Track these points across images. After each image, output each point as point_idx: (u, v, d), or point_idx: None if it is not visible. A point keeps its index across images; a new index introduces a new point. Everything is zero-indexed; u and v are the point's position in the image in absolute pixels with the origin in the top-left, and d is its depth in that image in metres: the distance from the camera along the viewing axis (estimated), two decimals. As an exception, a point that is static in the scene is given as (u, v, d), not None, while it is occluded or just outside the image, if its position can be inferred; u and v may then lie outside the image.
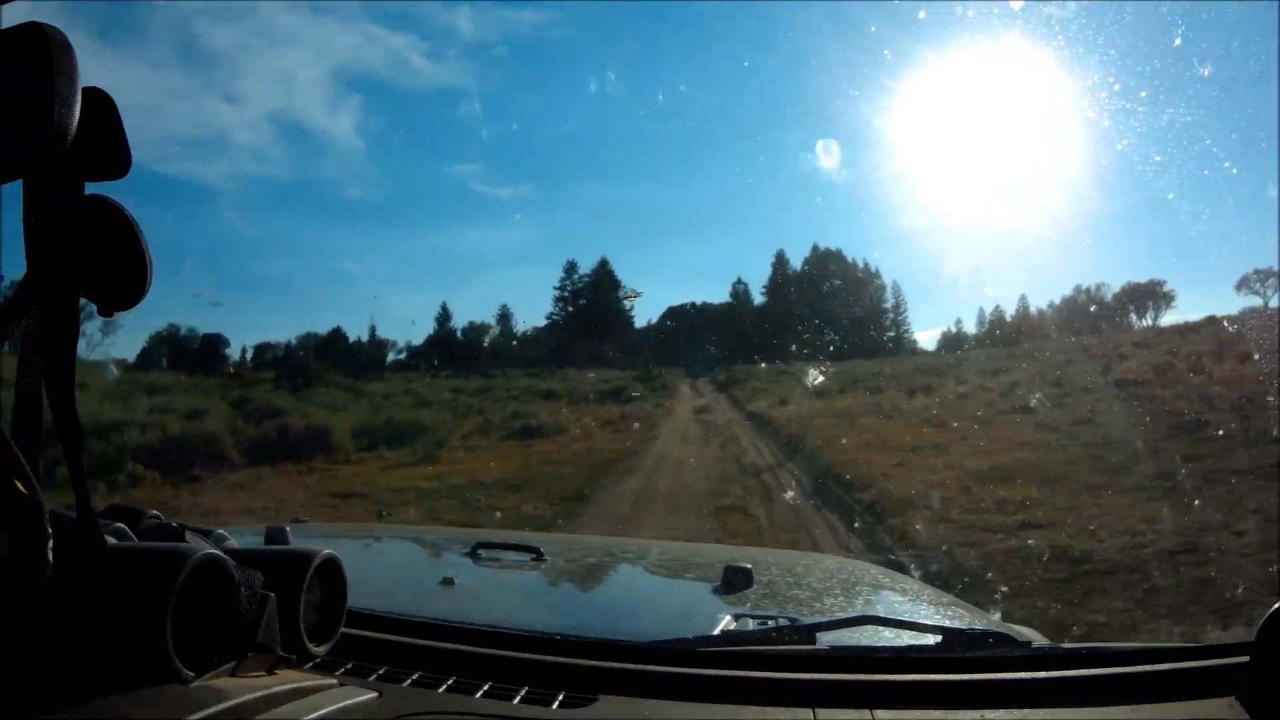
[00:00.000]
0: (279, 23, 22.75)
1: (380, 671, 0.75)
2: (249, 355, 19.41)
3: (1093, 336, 13.76)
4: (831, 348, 14.68)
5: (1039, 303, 16.70)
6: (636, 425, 12.73)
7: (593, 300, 25.54)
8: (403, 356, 21.67)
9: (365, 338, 21.91)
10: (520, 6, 24.05)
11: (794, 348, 17.51)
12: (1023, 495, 5.77)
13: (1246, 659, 0.68)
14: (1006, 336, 15.31)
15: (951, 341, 18.99)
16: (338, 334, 21.29)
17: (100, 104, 0.53)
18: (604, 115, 26.25)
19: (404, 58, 24.97)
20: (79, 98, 0.47)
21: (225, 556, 0.56)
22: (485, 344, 22.88)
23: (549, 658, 0.79)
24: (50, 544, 0.46)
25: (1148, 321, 14.99)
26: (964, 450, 7.57)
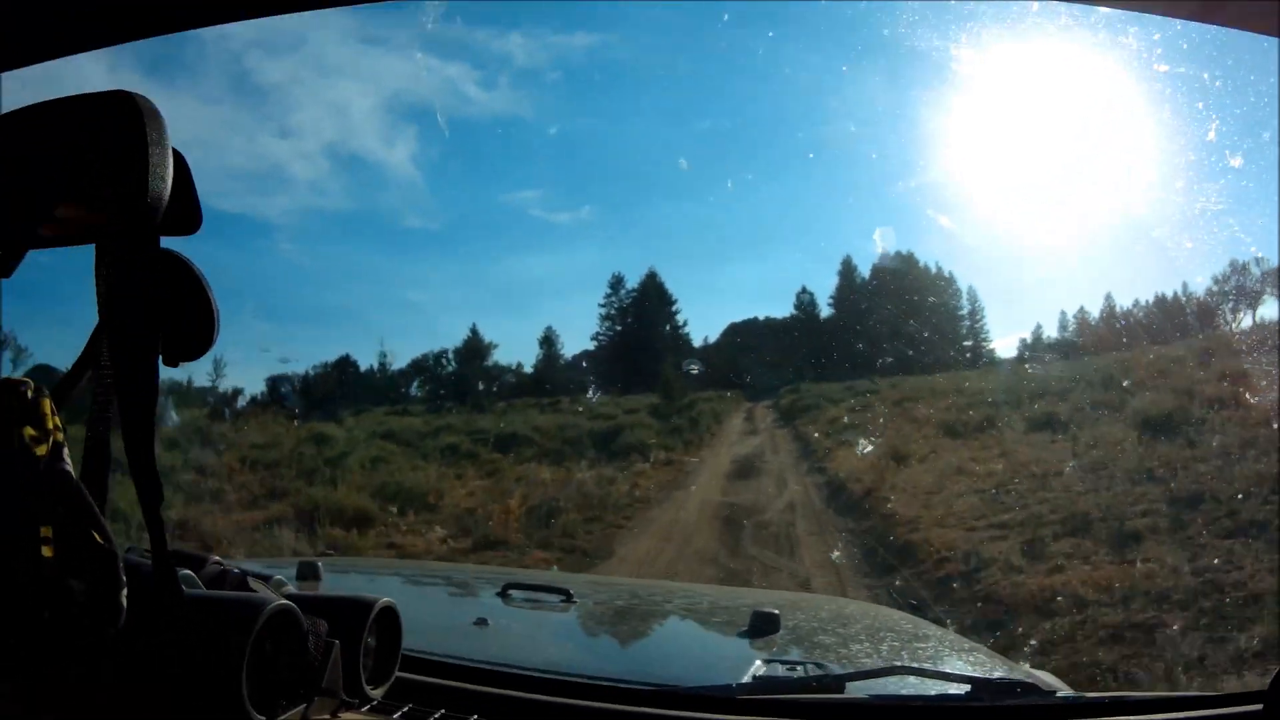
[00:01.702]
0: (330, 55, 22.16)
1: (438, 715, 0.80)
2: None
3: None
4: (909, 361, 13.43)
5: (1125, 303, 14.75)
6: (616, 520, 7.74)
7: (639, 318, 25.02)
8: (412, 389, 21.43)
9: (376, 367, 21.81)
10: (572, 32, 23.91)
11: (867, 362, 16.04)
12: None
13: (1260, 708, 0.70)
14: (1099, 343, 13.51)
15: (1034, 350, 17.14)
16: (346, 362, 21.16)
17: (174, 162, 0.57)
18: (660, 136, 26.12)
19: (457, 86, 24.39)
20: (170, 168, 0.52)
21: (295, 606, 0.61)
22: (482, 368, 22.46)
23: (602, 704, 0.84)
24: (124, 593, 0.50)
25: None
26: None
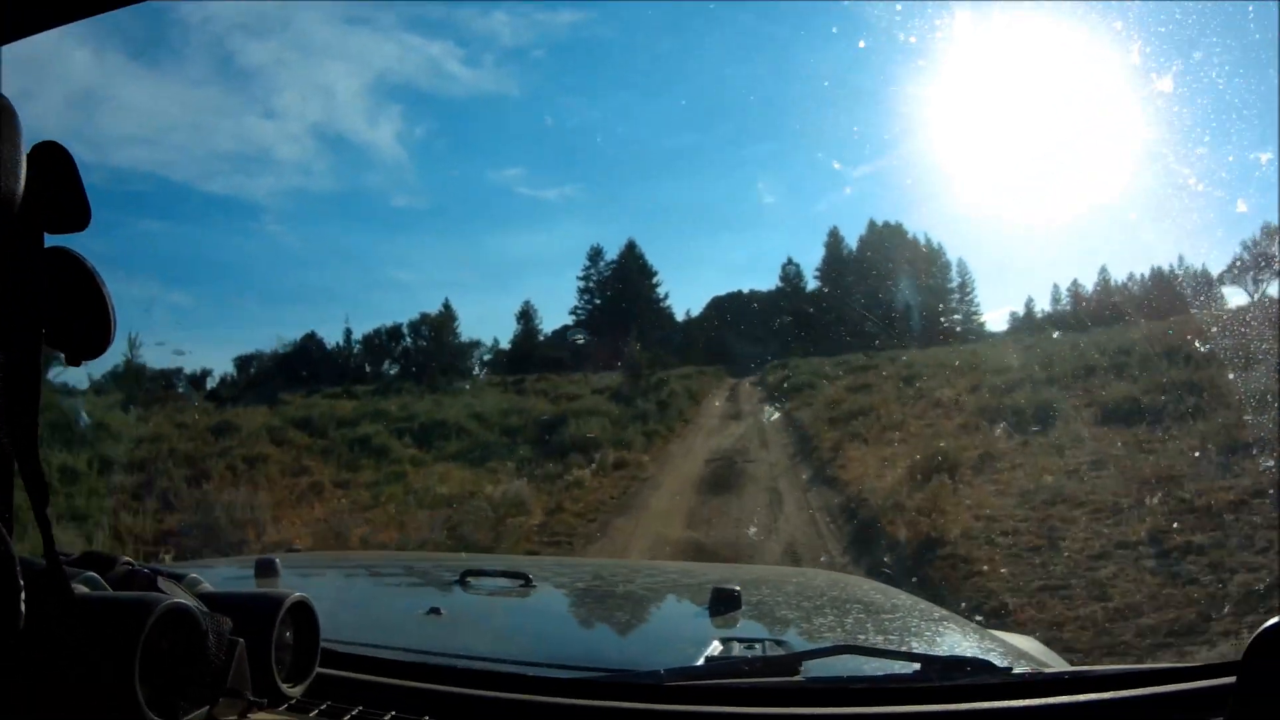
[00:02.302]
0: (315, 35, 23.23)
1: (354, 712, 0.79)
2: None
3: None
4: (903, 333, 12.90)
5: (1120, 276, 14.77)
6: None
7: (618, 291, 23.35)
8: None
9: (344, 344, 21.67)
10: (556, 8, 24.59)
11: (861, 334, 14.92)
12: None
13: (1233, 679, 0.68)
14: (1097, 316, 12.99)
15: (1026, 325, 17.11)
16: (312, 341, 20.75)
17: (57, 158, 0.58)
18: (646, 112, 27.43)
19: (442, 65, 26.27)
20: (22, 165, 0.53)
21: (192, 603, 0.60)
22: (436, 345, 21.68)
23: (513, 695, 0.83)
24: (23, 596, 0.49)
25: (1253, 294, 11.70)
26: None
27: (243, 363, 19.51)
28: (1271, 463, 5.25)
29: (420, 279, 25.90)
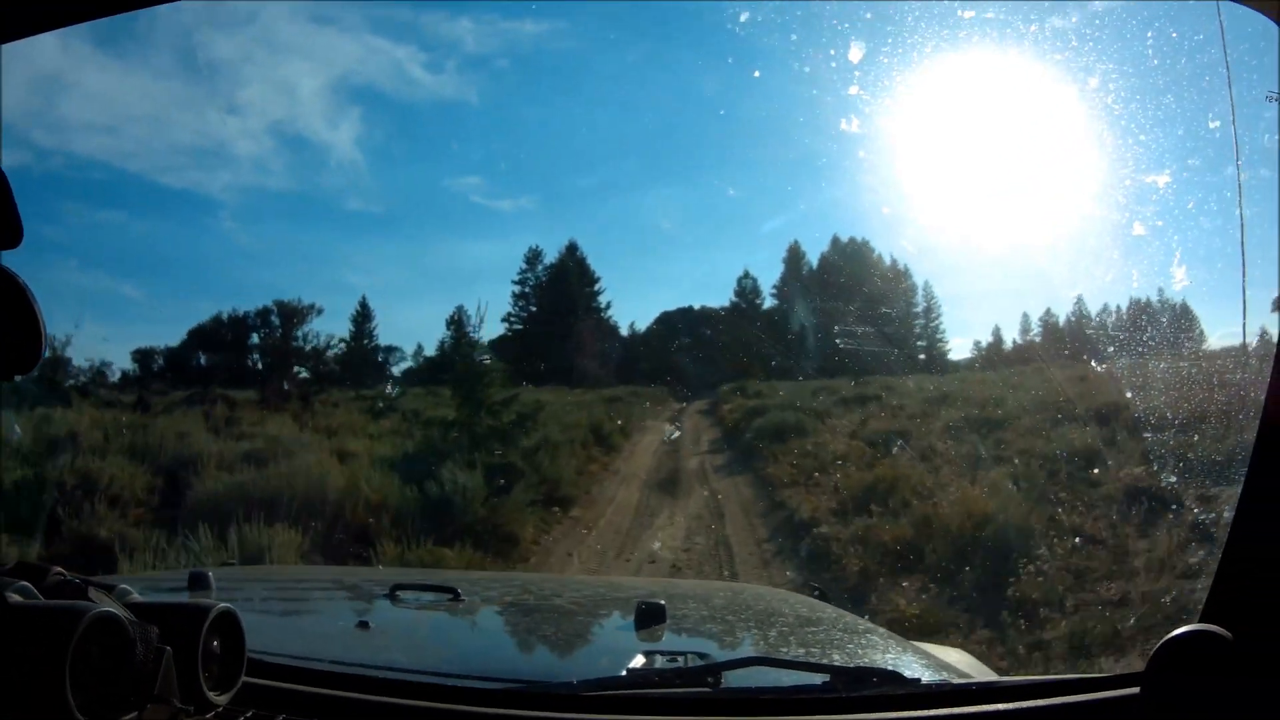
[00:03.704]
0: (281, 33, 23.60)
1: (278, 719, 0.84)
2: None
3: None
4: (881, 357, 10.55)
5: (1095, 307, 13.43)
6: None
7: (556, 299, 20.65)
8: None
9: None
10: (521, 18, 25.61)
11: (839, 353, 12.28)
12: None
13: (1138, 690, 0.74)
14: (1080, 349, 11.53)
15: (993, 356, 15.96)
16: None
17: None
18: (606, 126, 28.00)
19: (405, 69, 26.78)
20: None
21: (119, 612, 0.65)
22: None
23: (429, 704, 0.87)
24: None
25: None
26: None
27: (142, 357, 18.68)
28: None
29: (370, 283, 26.42)
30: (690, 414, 13.03)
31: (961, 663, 1.31)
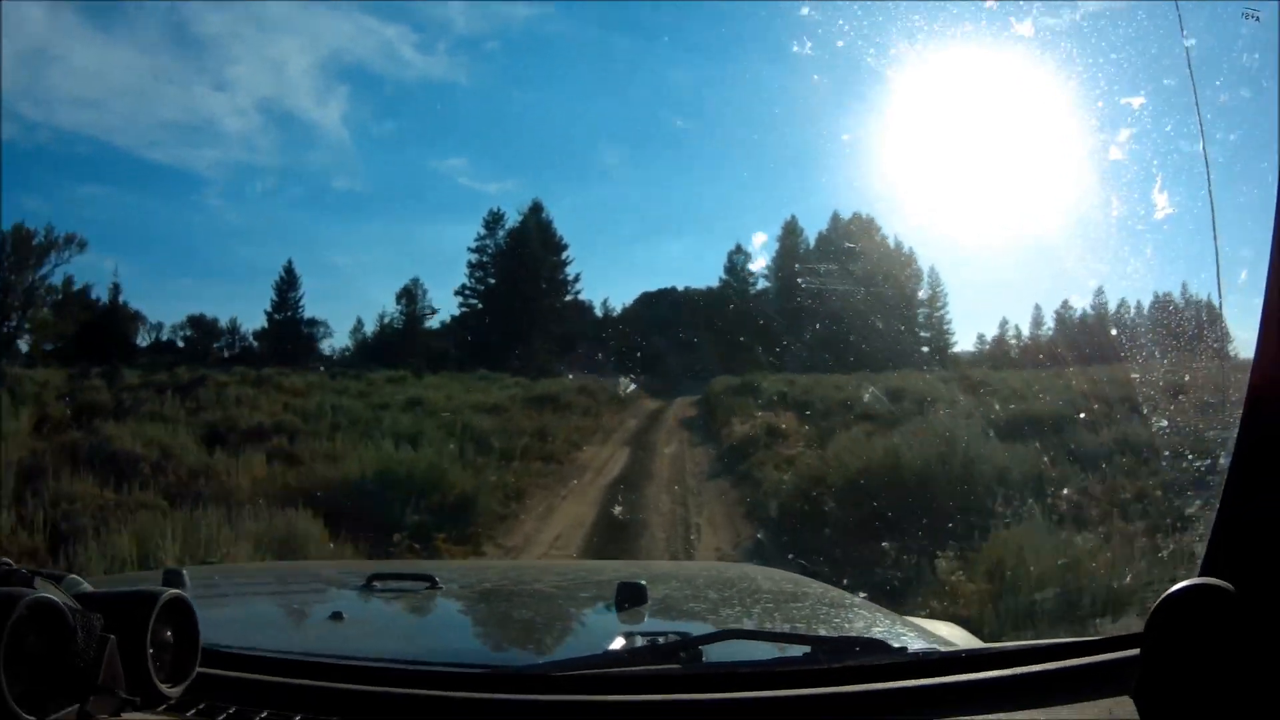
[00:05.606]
0: (270, 9, 24.00)
1: (230, 711, 0.84)
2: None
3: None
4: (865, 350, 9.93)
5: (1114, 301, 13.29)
6: None
7: (516, 271, 17.93)
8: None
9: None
10: (513, 1, 25.48)
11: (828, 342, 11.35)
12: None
13: (1137, 652, 0.73)
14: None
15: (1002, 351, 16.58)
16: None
17: None
18: (595, 110, 28.12)
19: (395, 49, 27.42)
20: None
21: (58, 599, 0.65)
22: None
23: (397, 690, 0.88)
24: None
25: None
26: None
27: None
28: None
29: (355, 263, 27.00)
30: (670, 412, 10.46)
31: (954, 636, 1.33)
